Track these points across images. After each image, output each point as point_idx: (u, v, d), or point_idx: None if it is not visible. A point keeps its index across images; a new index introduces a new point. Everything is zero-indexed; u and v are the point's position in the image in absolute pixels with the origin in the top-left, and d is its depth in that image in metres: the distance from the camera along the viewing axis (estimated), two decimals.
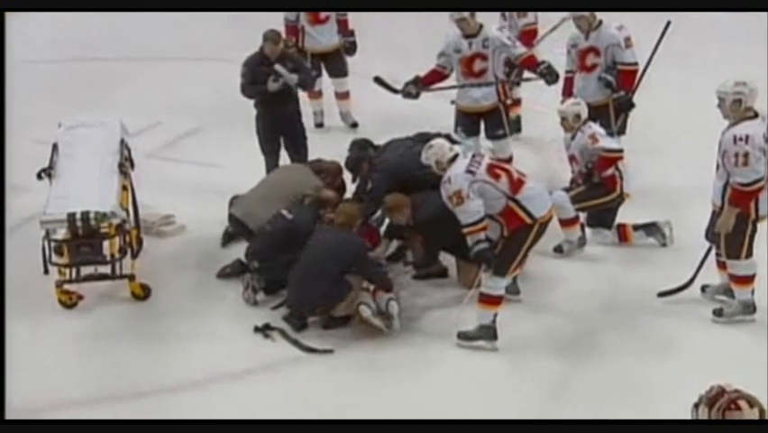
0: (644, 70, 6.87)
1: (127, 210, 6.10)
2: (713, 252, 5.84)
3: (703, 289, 5.97)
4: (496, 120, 6.93)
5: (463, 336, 5.63)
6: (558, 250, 6.49)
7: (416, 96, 6.95)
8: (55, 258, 5.97)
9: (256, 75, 6.86)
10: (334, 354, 5.58)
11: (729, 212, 5.55)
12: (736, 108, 5.52)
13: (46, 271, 5.91)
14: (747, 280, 5.71)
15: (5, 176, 6.50)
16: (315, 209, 6.13)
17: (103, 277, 6.01)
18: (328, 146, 7.22)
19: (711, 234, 5.74)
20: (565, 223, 6.46)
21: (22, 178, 6.57)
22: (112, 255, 5.98)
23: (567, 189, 6.50)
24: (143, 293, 6.07)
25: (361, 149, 6.56)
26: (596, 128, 6.46)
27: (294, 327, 5.74)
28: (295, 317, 5.77)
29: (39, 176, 6.10)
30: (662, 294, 5.96)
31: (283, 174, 6.64)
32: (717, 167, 5.64)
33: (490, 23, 7.14)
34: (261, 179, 6.64)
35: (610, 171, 6.38)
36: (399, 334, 5.70)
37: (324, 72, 8.13)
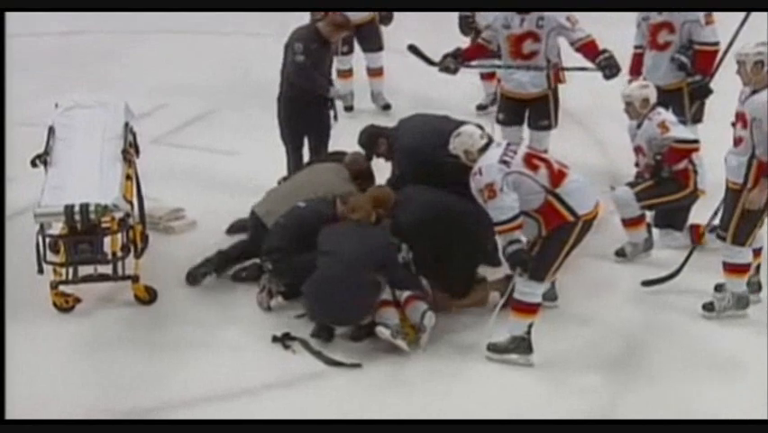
0: (725, 53, 6.79)
1: (131, 203, 6.16)
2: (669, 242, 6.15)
3: (717, 288, 6.05)
4: (542, 109, 6.97)
5: (494, 348, 5.67)
6: (620, 254, 6.53)
7: (455, 71, 6.98)
8: (50, 256, 6.04)
9: (312, 55, 6.82)
10: (355, 368, 5.66)
11: (764, 186, 5.65)
12: (758, 71, 5.64)
13: (40, 271, 5.99)
14: (744, 269, 5.88)
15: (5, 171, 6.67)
16: (332, 203, 6.16)
17: (103, 278, 6.09)
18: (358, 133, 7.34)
19: (722, 219, 5.85)
20: (629, 223, 6.49)
21: (11, 165, 6.71)
22: (113, 254, 6.05)
23: (632, 185, 6.53)
24: (148, 297, 6.16)
25: (375, 127, 6.55)
26: (666, 115, 6.47)
27: (323, 341, 5.82)
28: (324, 330, 5.84)
29: (33, 163, 6.18)
30: (646, 283, 6.12)
31: (315, 174, 6.58)
32: (737, 141, 5.73)
33: None
34: (292, 177, 6.65)
35: (682, 165, 6.42)
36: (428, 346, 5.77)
37: (357, 48, 8.23)
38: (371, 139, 6.49)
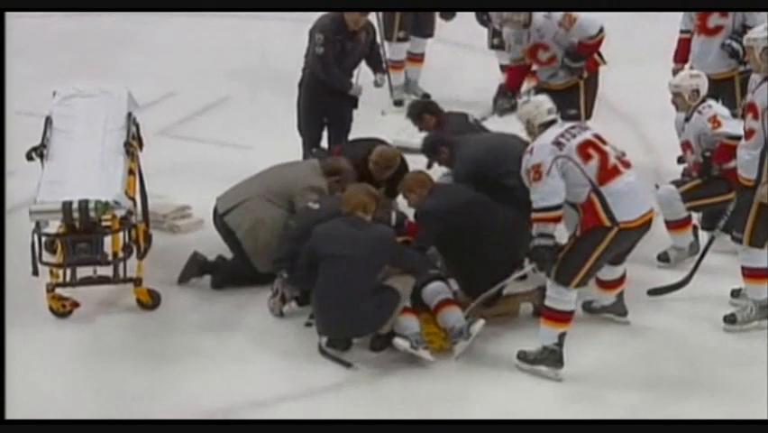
0: None
1: (134, 200, 6.16)
2: (713, 245, 6.11)
3: (734, 293, 6.03)
4: (571, 98, 6.98)
5: (524, 357, 5.65)
6: (664, 258, 6.46)
7: (513, 107, 6.98)
8: (46, 256, 6.05)
9: (334, 47, 6.88)
10: (376, 379, 5.66)
11: None
12: (767, 58, 5.60)
13: (35, 273, 5.99)
14: (764, 274, 5.82)
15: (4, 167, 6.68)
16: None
17: (103, 280, 6.09)
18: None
19: (735, 218, 5.83)
20: (673, 225, 6.44)
21: (9, 158, 6.68)
22: (114, 254, 6.04)
23: (677, 183, 6.46)
24: (151, 301, 6.15)
25: (438, 134, 6.60)
26: (717, 108, 6.38)
27: (340, 350, 5.81)
28: (339, 339, 5.81)
29: (29, 156, 6.18)
30: (652, 292, 6.09)
31: (284, 167, 6.57)
32: (749, 134, 5.68)
33: None
34: (258, 173, 6.58)
35: (734, 163, 6.28)
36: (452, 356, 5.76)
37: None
38: (434, 146, 6.56)
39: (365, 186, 6.05)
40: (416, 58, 8.39)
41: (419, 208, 6.11)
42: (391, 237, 5.88)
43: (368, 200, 5.87)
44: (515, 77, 7.17)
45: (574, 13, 6.91)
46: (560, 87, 7.00)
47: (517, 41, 7.04)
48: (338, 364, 5.72)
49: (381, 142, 6.76)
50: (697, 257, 6.19)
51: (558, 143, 5.53)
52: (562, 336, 5.60)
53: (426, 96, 8.36)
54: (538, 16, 6.91)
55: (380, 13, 8.05)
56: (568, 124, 5.72)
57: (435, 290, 5.90)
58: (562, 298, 5.58)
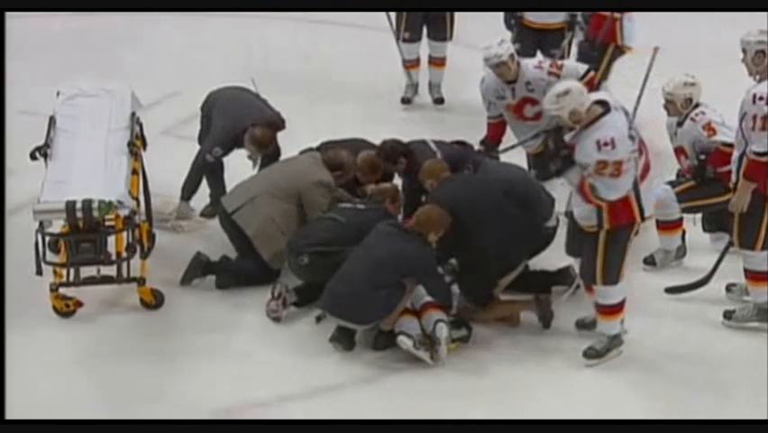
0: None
1: (137, 199, 6.18)
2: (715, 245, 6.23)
3: (728, 288, 6.11)
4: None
5: (596, 354, 5.77)
6: (650, 262, 6.50)
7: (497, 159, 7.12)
8: (50, 256, 6.09)
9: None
10: (378, 379, 5.69)
11: (744, 188, 5.70)
12: (760, 62, 5.71)
13: (39, 272, 6.02)
14: (761, 277, 5.86)
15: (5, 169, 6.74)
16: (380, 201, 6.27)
17: (107, 280, 6.14)
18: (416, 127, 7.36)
19: (725, 219, 5.94)
20: (664, 226, 6.49)
21: (10, 157, 6.74)
22: (118, 254, 6.11)
23: (673, 184, 6.49)
24: (154, 301, 6.21)
25: (398, 143, 6.59)
26: (711, 115, 6.37)
27: (343, 348, 5.87)
28: (344, 337, 5.87)
29: (32, 156, 6.21)
30: (670, 290, 6.15)
31: (285, 166, 6.67)
32: (736, 135, 5.80)
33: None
34: (262, 170, 6.72)
35: (728, 166, 6.30)
36: (458, 357, 5.80)
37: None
38: (393, 155, 6.57)
39: (442, 213, 5.93)
40: (436, 61, 8.38)
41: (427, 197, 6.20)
42: (427, 262, 5.87)
43: (435, 225, 5.85)
44: (495, 132, 7.14)
45: (559, 61, 7.07)
46: None
47: (499, 97, 6.99)
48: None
49: (364, 141, 6.79)
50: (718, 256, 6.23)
51: (632, 137, 5.53)
52: (622, 322, 5.81)
53: (440, 100, 8.41)
54: (528, 68, 6.89)
55: (393, 15, 8.12)
56: (620, 108, 5.57)
57: (421, 293, 5.96)
58: (613, 293, 5.72)
